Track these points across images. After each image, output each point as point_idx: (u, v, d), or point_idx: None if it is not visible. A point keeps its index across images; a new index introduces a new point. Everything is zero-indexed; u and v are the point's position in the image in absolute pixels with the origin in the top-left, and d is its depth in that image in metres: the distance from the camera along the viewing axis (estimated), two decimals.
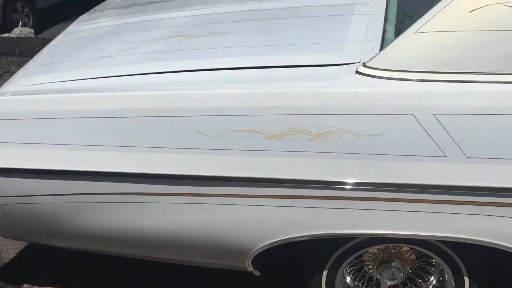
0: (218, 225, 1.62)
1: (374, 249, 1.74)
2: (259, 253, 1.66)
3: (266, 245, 1.62)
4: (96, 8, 2.55)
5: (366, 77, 1.44)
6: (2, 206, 1.74)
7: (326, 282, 1.74)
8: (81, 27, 2.23)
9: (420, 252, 1.70)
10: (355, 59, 1.53)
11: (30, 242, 1.96)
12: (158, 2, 2.43)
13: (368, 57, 1.51)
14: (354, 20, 1.82)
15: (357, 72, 1.47)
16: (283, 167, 1.48)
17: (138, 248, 1.80)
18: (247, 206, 1.55)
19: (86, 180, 1.62)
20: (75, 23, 2.35)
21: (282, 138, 1.46)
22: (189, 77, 1.61)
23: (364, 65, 1.47)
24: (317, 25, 1.85)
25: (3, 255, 2.34)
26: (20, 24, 6.74)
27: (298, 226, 1.56)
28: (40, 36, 5.90)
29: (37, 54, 2.08)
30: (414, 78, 1.40)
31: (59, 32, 5.29)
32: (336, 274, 1.73)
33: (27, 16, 6.76)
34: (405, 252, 1.75)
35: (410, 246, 1.67)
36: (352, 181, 1.44)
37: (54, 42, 2.15)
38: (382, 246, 1.72)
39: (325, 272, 1.72)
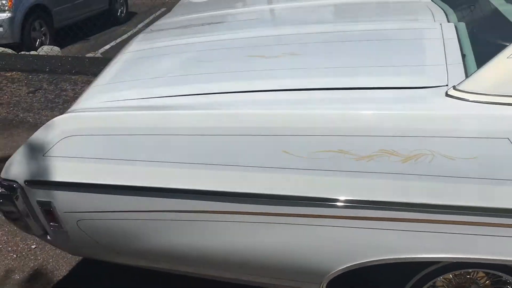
0: (298, 245, 1.60)
1: (449, 275, 1.72)
2: (334, 277, 1.64)
3: (345, 268, 1.60)
4: (151, 28, 2.58)
5: (458, 100, 1.44)
6: (77, 222, 1.73)
7: None
8: (144, 46, 2.25)
9: (498, 278, 1.68)
10: (442, 82, 1.52)
11: (97, 259, 1.93)
12: (216, 23, 2.46)
13: (453, 80, 1.52)
14: (428, 44, 1.83)
15: (447, 95, 1.47)
16: (372, 189, 1.47)
17: (209, 267, 1.78)
18: (330, 227, 1.53)
19: (164, 197, 1.61)
20: (135, 42, 2.36)
21: (371, 159, 1.45)
22: (273, 97, 1.61)
23: (454, 88, 1.47)
24: (392, 48, 1.86)
25: (55, 272, 2.32)
26: (37, 42, 6.87)
27: (383, 249, 1.54)
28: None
29: (103, 72, 2.08)
30: (508, 102, 1.40)
31: (78, 50, 5.36)
32: None
33: (44, 34, 6.90)
34: (480, 278, 1.73)
35: (493, 271, 1.64)
36: (444, 203, 1.43)
37: (118, 60, 2.16)
38: (458, 272, 1.70)
39: None
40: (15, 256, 2.42)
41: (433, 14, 2.18)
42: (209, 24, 2.43)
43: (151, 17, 8.40)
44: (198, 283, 1.97)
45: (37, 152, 1.68)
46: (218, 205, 1.58)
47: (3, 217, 2.67)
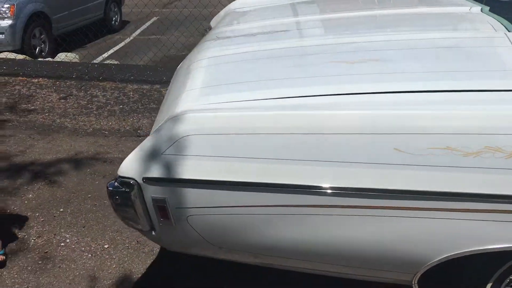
0: (403, 237, 1.73)
1: None
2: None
3: (443, 258, 1.74)
4: (217, 35, 2.69)
5: None
6: (187, 217, 1.83)
7: None
8: (222, 52, 2.35)
9: None
10: None
11: (196, 254, 2.02)
12: (282, 31, 2.58)
13: None
14: (504, 50, 1.99)
15: None
16: (478, 183, 1.61)
17: (315, 261, 1.89)
18: (436, 219, 1.67)
19: (277, 193, 1.73)
20: (205, 49, 2.46)
21: (478, 155, 1.60)
22: (379, 99, 1.74)
23: None
24: (470, 55, 2.02)
25: (133, 270, 2.40)
26: (37, 50, 6.91)
27: (483, 239, 1.68)
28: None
29: (190, 77, 2.18)
30: None
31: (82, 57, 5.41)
32: None
33: (43, 42, 6.95)
34: None
35: None
36: None
37: (198, 66, 2.26)
38: None
39: (489, 285, 1.84)
40: (90, 255, 2.49)
41: (491, 24, 2.35)
42: (277, 31, 2.56)
43: (144, 26, 8.51)
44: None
45: (155, 151, 1.78)
46: (329, 200, 1.70)
47: (69, 218, 2.76)
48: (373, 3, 3.16)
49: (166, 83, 4.69)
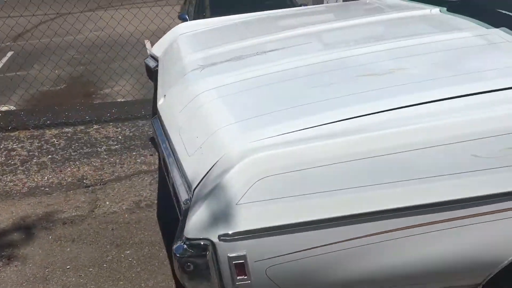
0: (487, 240, 1.73)
1: None
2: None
3: None
4: (200, 65, 2.47)
5: None
6: (266, 270, 1.63)
7: None
8: (228, 80, 2.16)
9: None
10: None
11: None
12: (275, 49, 2.47)
13: None
14: (504, 47, 2.12)
15: None
16: None
17: (407, 283, 1.81)
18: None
19: (363, 222, 1.62)
20: (207, 79, 2.22)
21: None
22: (430, 109, 1.73)
23: None
24: (476, 55, 2.11)
25: None
26: None
27: None
28: None
29: (210, 112, 1.97)
30: None
31: None
32: None
33: None
34: None
35: None
36: None
37: (212, 98, 2.05)
38: None
39: None
40: None
41: (469, 23, 2.50)
42: (263, 52, 2.44)
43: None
44: None
45: (228, 203, 1.56)
46: (416, 219, 1.65)
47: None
48: (331, 14, 3.20)
49: (90, 122, 4.27)
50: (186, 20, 7.37)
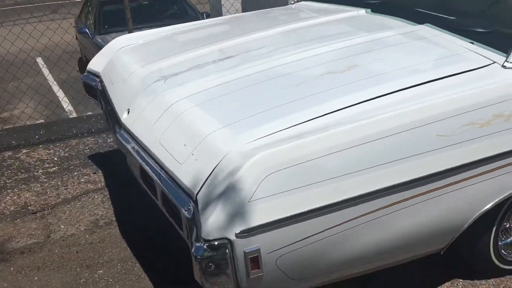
0: (461, 201, 2.01)
1: None
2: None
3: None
4: (158, 76, 2.50)
5: None
6: (276, 261, 1.75)
7: None
8: (200, 88, 2.25)
9: None
10: (488, 61, 2.14)
11: None
12: (225, 58, 2.57)
13: (493, 58, 2.16)
14: (437, 41, 2.43)
15: (504, 67, 2.09)
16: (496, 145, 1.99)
17: (398, 254, 2.03)
18: (483, 181, 2.01)
19: (360, 204, 1.82)
20: (177, 89, 2.28)
21: (489, 124, 1.98)
22: (396, 97, 1.97)
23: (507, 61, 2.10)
24: (415, 49, 2.40)
25: None
26: None
27: None
28: None
29: (196, 118, 2.04)
30: None
31: None
32: None
33: None
34: None
35: None
36: None
37: (191, 105, 2.12)
38: None
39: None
40: None
41: (396, 22, 2.80)
42: (226, 58, 2.55)
43: None
44: None
45: (240, 201, 1.66)
46: (398, 196, 1.88)
47: None
48: (264, 21, 3.35)
49: (17, 147, 4.04)
50: (87, 34, 7.16)
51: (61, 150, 4.01)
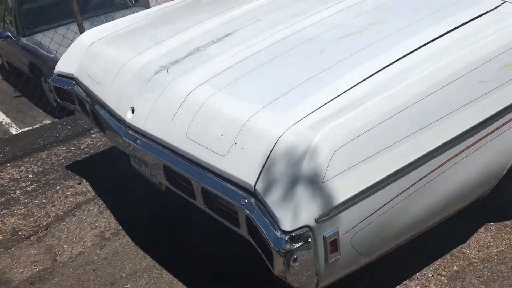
0: (501, 150, 1.98)
1: None
2: None
3: None
4: (155, 67, 2.28)
5: None
6: (351, 240, 1.65)
7: None
8: (213, 73, 2.06)
9: None
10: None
11: (337, 278, 1.80)
12: (222, 38, 2.39)
13: None
14: None
15: None
16: None
17: (445, 212, 1.98)
18: None
19: (422, 164, 1.75)
20: (189, 77, 2.11)
21: None
22: (430, 50, 1.90)
23: None
24: None
25: None
26: None
27: None
28: None
29: (227, 104, 1.90)
30: None
31: None
32: None
33: None
34: None
35: None
36: None
37: (212, 91, 1.96)
38: None
39: None
40: None
41: None
42: (225, 36, 2.37)
43: None
44: None
45: (313, 183, 1.53)
46: (456, 149, 1.82)
47: None
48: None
49: None
50: (10, 38, 6.58)
51: (32, 165, 3.66)
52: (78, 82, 2.83)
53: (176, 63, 2.27)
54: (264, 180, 1.63)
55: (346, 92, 1.75)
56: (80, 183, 3.35)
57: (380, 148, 1.65)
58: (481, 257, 2.32)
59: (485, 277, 2.20)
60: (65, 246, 2.76)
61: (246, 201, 1.67)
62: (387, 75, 1.80)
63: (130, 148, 2.31)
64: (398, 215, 1.76)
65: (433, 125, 1.74)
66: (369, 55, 1.94)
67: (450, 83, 1.80)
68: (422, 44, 1.93)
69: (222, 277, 2.39)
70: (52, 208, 3.13)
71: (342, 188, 1.57)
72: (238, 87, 1.96)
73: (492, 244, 2.39)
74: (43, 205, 3.17)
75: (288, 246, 1.51)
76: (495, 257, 2.31)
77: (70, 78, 2.90)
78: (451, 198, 1.93)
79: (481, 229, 2.48)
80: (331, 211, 1.55)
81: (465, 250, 2.37)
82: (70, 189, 3.31)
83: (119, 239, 2.76)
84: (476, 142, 1.88)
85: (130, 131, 2.26)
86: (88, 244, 2.75)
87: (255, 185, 1.64)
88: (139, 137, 2.20)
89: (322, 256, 1.60)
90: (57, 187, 3.35)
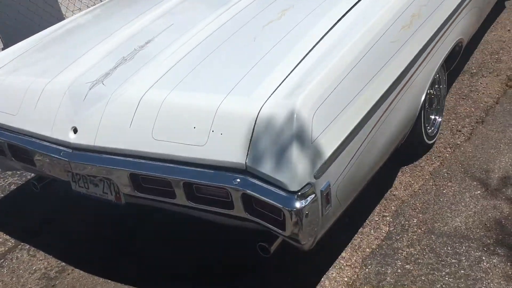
0: (414, 95, 2.37)
1: None
2: None
3: None
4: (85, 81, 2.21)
5: None
6: (336, 192, 1.84)
7: None
8: (154, 77, 2.10)
9: None
10: None
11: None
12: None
13: None
14: None
15: None
16: None
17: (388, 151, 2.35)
18: None
19: (379, 107, 2.08)
20: (137, 80, 2.09)
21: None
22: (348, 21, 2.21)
23: None
24: None
25: None
26: None
27: None
28: None
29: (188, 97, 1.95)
30: None
31: None
32: None
33: None
34: None
35: None
36: None
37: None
38: None
39: None
40: None
41: None
42: (147, 42, 2.40)
43: None
44: None
45: (304, 146, 1.69)
46: (391, 97, 2.15)
47: None
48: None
49: None
50: None
51: None
52: None
53: (109, 75, 2.24)
54: (253, 156, 1.75)
55: (300, 64, 1.95)
56: None
57: (346, 102, 1.89)
58: (408, 194, 2.71)
59: (419, 208, 2.59)
60: None
61: (239, 180, 1.77)
62: (325, 47, 2.04)
63: (75, 171, 2.22)
64: (366, 155, 2.02)
65: (374, 78, 2.04)
66: (301, 33, 2.17)
67: (374, 45, 2.11)
68: (338, 18, 2.22)
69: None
70: None
71: (328, 143, 1.77)
72: (192, 83, 2.04)
73: (412, 182, 2.80)
74: None
75: (299, 204, 1.65)
76: (419, 191, 2.72)
77: None
78: (395, 134, 2.28)
79: (399, 173, 2.88)
80: (323, 166, 1.73)
81: (394, 192, 2.74)
82: None
83: (68, 274, 2.58)
84: (403, 87, 2.24)
85: (76, 152, 2.17)
86: None
87: (246, 163, 1.75)
88: (89, 155, 2.13)
89: (320, 210, 1.78)
90: None
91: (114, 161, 2.07)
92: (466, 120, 3.28)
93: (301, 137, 1.71)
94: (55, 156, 2.24)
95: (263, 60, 2.04)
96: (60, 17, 5.09)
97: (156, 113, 1.98)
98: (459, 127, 3.22)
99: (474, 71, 3.91)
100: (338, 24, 2.19)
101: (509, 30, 4.51)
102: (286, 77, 1.90)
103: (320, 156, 1.73)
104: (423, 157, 2.98)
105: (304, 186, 1.67)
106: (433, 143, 3.04)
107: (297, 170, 1.68)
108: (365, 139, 1.98)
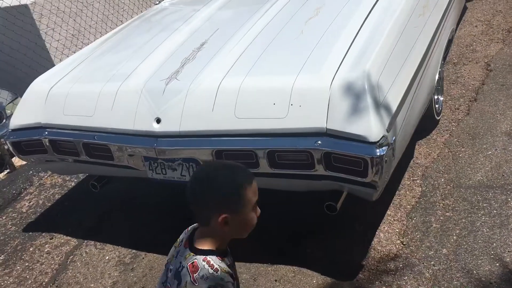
0: (434, 64, 2.82)
1: None
2: None
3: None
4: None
5: None
6: (396, 144, 2.22)
7: None
8: (225, 67, 2.46)
9: None
10: None
11: None
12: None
13: None
14: None
15: None
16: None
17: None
18: None
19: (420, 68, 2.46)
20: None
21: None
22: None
23: None
24: None
25: None
26: None
27: None
28: None
29: (264, 79, 2.30)
30: None
31: None
32: None
33: None
34: None
35: None
36: None
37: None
38: None
39: None
40: None
41: None
42: (204, 43, 2.76)
43: None
44: None
45: (375, 105, 2.09)
46: (424, 59, 2.58)
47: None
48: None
49: None
50: None
51: None
52: (50, 128, 2.84)
53: (179, 73, 2.56)
54: (332, 120, 2.11)
55: (353, 43, 2.36)
56: (52, 238, 3.24)
57: (399, 66, 2.32)
58: (430, 161, 3.15)
59: (442, 170, 3.03)
60: (92, 285, 2.74)
61: (320, 142, 2.13)
62: (368, 30, 2.46)
63: (160, 157, 2.49)
64: (412, 113, 2.43)
65: (412, 51, 2.49)
66: (342, 22, 2.59)
67: (404, 28, 2.55)
68: (369, 11, 2.65)
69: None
70: (43, 266, 3.00)
71: (393, 100, 2.17)
72: (262, 68, 2.40)
73: (430, 151, 3.24)
74: (30, 267, 3.00)
75: (380, 152, 2.02)
76: (438, 158, 3.16)
77: (36, 128, 2.88)
78: (426, 98, 2.76)
79: (417, 146, 3.32)
80: (392, 120, 2.12)
81: (417, 161, 3.17)
82: (47, 245, 3.18)
83: (143, 258, 2.84)
84: (428, 59, 2.69)
85: (161, 139, 2.47)
86: (115, 274, 2.78)
87: (326, 126, 2.12)
88: (175, 140, 2.43)
89: (391, 159, 2.16)
90: (31, 249, 3.17)
91: (199, 142, 2.38)
92: (460, 100, 3.78)
93: (373, 96, 2.09)
94: (140, 145, 2.53)
95: (319, 45, 2.43)
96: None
97: (236, 97, 2.32)
98: (456, 105, 3.72)
99: (456, 61, 4.45)
100: (369, 16, 2.62)
101: (475, 26, 5.12)
102: (346, 53, 2.29)
103: (389, 111, 2.12)
104: (433, 131, 3.44)
105: (382, 137, 2.05)
106: (439, 120, 3.51)
107: (374, 124, 2.05)
108: (412, 98, 2.41)
